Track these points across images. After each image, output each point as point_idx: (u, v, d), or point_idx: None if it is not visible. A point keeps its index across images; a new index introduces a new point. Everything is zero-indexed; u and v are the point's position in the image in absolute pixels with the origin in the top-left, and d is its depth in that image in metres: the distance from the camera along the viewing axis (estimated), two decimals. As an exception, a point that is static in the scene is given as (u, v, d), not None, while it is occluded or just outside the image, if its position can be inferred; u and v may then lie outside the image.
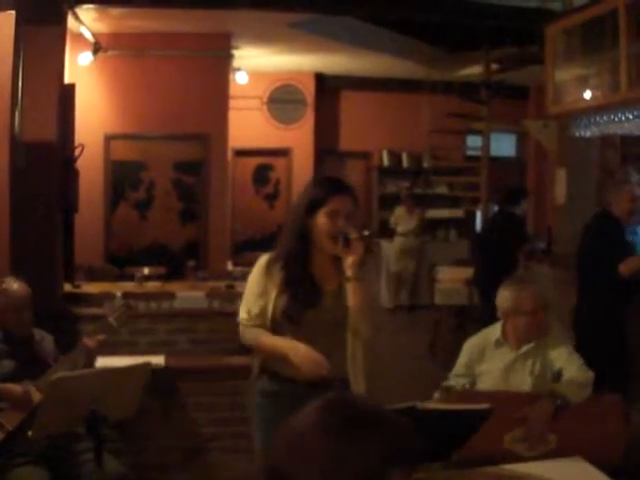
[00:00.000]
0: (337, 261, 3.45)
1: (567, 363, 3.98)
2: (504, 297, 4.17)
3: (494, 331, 4.21)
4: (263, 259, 3.53)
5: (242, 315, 3.52)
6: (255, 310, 3.46)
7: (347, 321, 3.44)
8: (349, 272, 3.38)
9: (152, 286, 8.07)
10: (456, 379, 4.22)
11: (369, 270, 3.50)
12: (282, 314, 3.40)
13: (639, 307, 6.09)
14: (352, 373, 3.49)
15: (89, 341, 4.22)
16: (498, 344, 4.15)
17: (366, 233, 3.44)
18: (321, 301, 3.42)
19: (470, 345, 4.28)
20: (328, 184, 3.52)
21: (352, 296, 3.41)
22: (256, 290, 3.48)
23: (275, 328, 3.44)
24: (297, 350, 3.33)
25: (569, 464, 3.35)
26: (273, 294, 3.43)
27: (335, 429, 1.39)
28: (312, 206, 3.40)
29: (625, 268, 5.78)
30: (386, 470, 1.37)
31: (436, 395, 3.91)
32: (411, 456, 1.42)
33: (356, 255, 3.36)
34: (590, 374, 3.92)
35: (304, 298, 3.38)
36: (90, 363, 4.27)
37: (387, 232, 12.44)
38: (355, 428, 1.39)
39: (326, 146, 13.12)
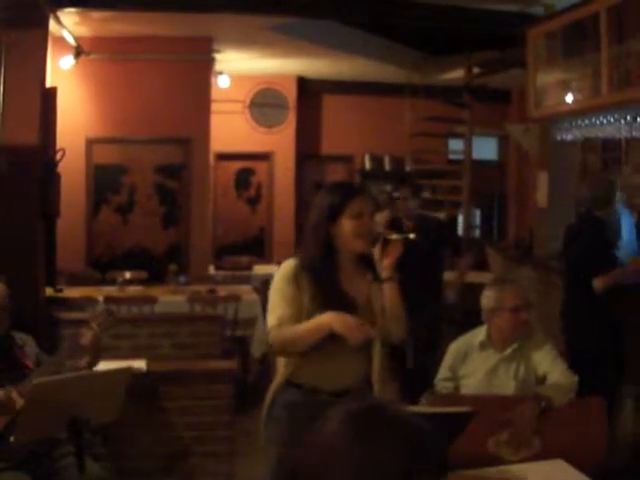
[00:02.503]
0: (361, 266, 3.45)
1: (551, 367, 3.98)
2: (487, 297, 4.18)
3: (479, 334, 4.21)
4: (288, 267, 3.40)
5: (272, 322, 3.36)
6: (286, 315, 3.32)
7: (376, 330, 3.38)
8: (386, 273, 3.38)
9: (134, 290, 8.06)
10: (442, 383, 4.22)
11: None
12: None
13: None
14: (376, 379, 3.45)
15: (85, 340, 4.17)
16: (482, 346, 4.15)
17: (412, 236, 3.44)
18: (355, 315, 3.29)
19: (454, 348, 4.28)
20: (343, 189, 3.50)
21: (389, 297, 3.40)
22: (286, 297, 3.34)
23: None
24: (340, 318, 3.19)
25: (551, 466, 3.36)
26: (304, 303, 3.32)
27: (364, 434, 1.39)
28: (333, 212, 3.36)
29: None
30: (412, 476, 1.37)
31: (423, 401, 3.90)
32: (436, 461, 1.42)
33: (394, 257, 3.37)
34: (574, 378, 3.92)
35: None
36: (94, 362, 4.25)
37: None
38: (384, 433, 1.39)
39: (308, 150, 13.09)
